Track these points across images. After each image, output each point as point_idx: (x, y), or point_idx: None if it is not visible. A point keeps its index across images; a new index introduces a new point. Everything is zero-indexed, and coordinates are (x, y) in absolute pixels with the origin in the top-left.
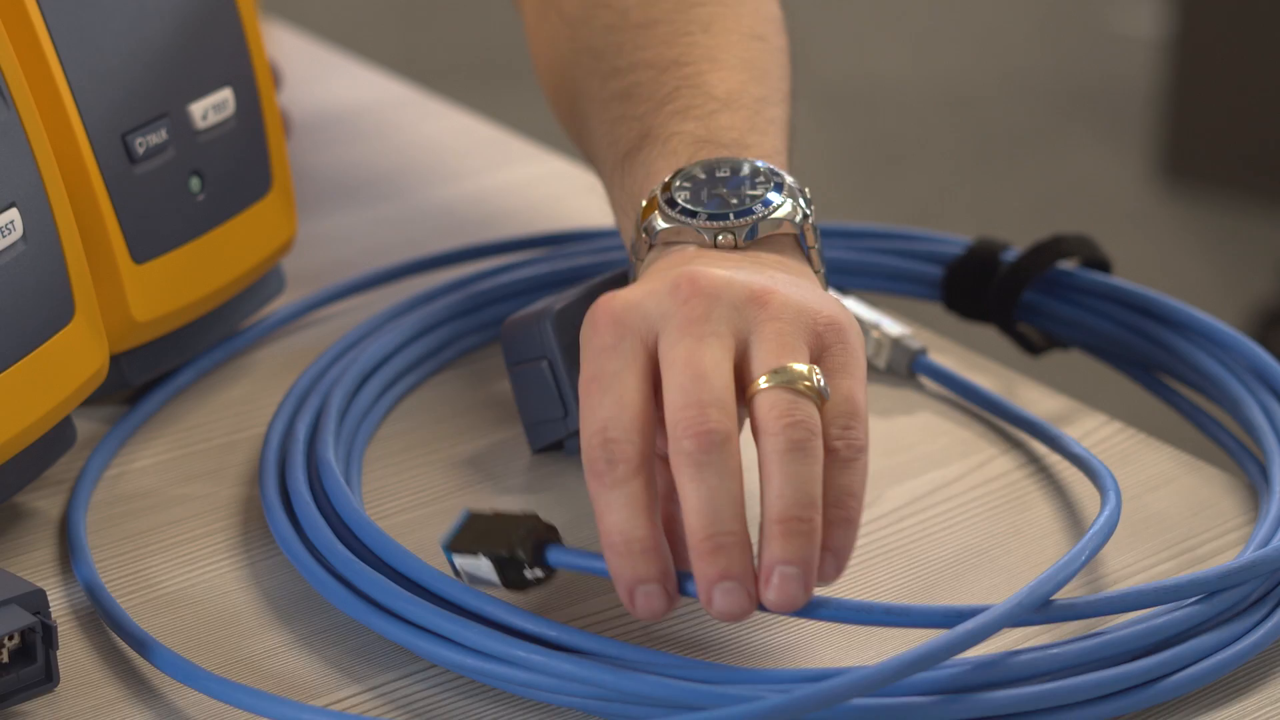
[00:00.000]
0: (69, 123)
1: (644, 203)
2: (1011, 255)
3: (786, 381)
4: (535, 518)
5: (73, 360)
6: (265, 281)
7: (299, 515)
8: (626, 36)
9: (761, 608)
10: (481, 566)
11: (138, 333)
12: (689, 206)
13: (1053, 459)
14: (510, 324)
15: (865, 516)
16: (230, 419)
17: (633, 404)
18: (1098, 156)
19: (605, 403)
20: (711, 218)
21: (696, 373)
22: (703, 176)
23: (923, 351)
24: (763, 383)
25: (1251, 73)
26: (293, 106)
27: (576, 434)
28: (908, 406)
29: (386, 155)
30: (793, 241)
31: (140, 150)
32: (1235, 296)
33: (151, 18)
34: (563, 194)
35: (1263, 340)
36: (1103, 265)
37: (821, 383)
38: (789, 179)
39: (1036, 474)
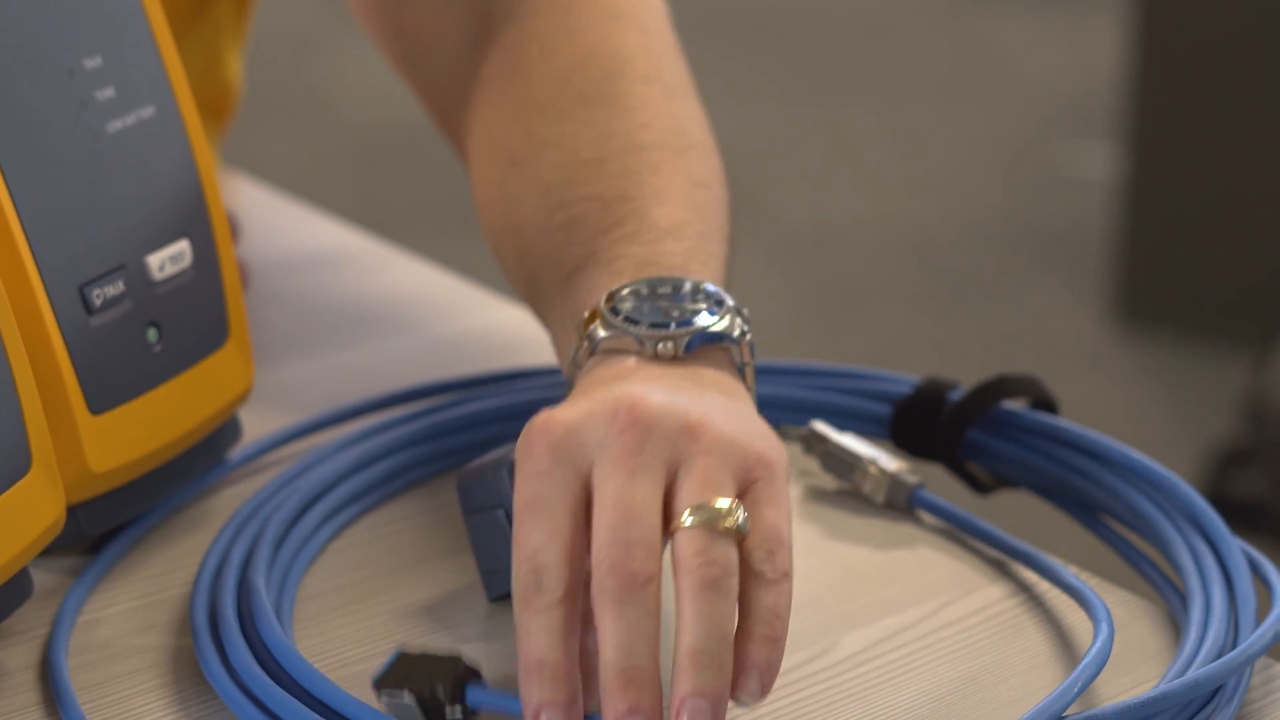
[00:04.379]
0: (26, 275)
1: (586, 314)
2: (958, 395)
3: (707, 520)
4: (459, 658)
5: (29, 512)
6: (222, 432)
7: (224, 642)
8: (574, 173)
9: None
10: (407, 704)
11: (95, 484)
12: (632, 315)
13: (1041, 588)
14: (466, 473)
15: (856, 646)
16: (188, 568)
17: (563, 533)
18: (1054, 298)
19: (538, 531)
20: (653, 326)
21: (626, 512)
22: (645, 291)
23: (920, 486)
24: (685, 519)
25: (1205, 214)
26: (250, 257)
27: None
28: (906, 541)
29: (344, 305)
30: (729, 358)
31: (97, 302)
32: (1193, 437)
33: (108, 169)
34: (521, 341)
35: (1220, 481)
36: (1049, 406)
37: (742, 520)
38: (729, 298)
39: (1027, 603)
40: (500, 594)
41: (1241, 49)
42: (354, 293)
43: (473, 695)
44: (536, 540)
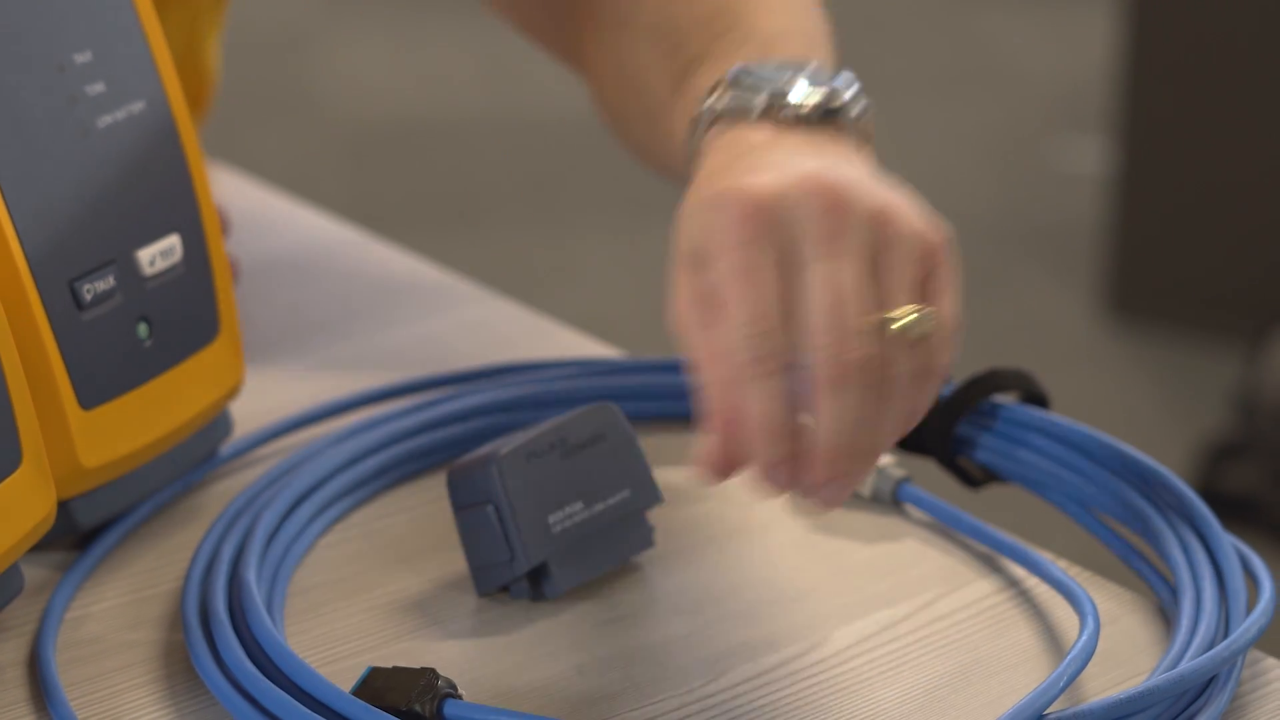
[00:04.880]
0: (16, 269)
1: (706, 91)
2: (949, 389)
3: (902, 327)
4: (433, 672)
5: (20, 507)
6: (212, 426)
7: (215, 637)
8: (678, 8)
9: None
10: None
11: (85, 479)
12: (754, 85)
13: (1031, 582)
14: (457, 468)
15: (847, 640)
16: (179, 563)
17: (784, 300)
18: (1046, 293)
19: (763, 295)
20: (778, 93)
21: (838, 297)
22: (772, 67)
23: (906, 479)
24: (880, 320)
25: (1197, 209)
26: (240, 252)
27: (522, 578)
28: (894, 534)
29: (334, 299)
30: (852, 134)
31: (88, 297)
32: (1184, 431)
33: (99, 164)
34: (510, 336)
35: (1212, 475)
36: (1040, 400)
37: (930, 328)
38: (854, 81)
39: (1017, 597)
40: (489, 589)
41: (1233, 44)
42: (345, 288)
43: (451, 709)
44: (764, 304)
